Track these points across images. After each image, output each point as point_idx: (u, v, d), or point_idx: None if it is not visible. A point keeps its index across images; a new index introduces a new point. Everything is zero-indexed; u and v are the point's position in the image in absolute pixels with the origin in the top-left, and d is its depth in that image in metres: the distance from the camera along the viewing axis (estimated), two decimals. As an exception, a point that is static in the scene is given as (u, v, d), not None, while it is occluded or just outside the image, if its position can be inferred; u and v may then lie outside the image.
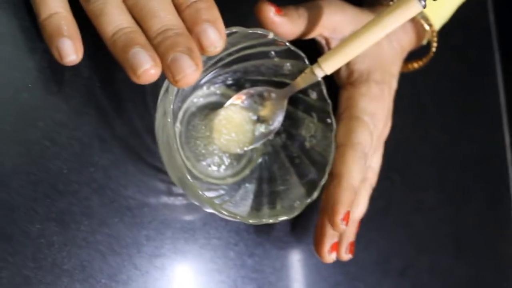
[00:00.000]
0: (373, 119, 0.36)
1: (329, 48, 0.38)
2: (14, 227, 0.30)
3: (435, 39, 0.39)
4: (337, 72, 0.39)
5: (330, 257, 0.36)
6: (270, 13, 0.34)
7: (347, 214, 0.33)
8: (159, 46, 0.28)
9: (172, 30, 0.28)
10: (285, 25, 0.34)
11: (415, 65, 0.41)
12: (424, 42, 0.42)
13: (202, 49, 0.28)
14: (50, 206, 0.31)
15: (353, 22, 0.37)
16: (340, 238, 0.38)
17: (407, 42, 0.40)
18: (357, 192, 0.38)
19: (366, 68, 0.38)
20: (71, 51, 0.29)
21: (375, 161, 0.39)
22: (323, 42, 0.38)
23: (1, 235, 0.30)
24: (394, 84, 0.40)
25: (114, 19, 0.28)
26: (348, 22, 0.37)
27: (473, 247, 0.48)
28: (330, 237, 0.36)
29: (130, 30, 0.28)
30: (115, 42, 0.28)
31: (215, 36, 0.28)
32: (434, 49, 0.40)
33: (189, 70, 0.27)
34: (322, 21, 0.36)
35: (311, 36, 0.37)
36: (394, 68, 0.40)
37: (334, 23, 0.37)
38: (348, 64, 0.38)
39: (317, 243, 0.37)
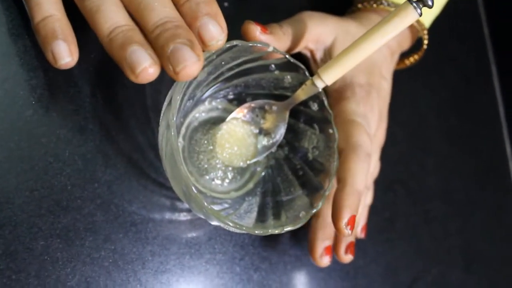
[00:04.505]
0: (365, 120, 0.36)
1: (314, 59, 0.39)
2: (17, 244, 0.30)
3: (426, 36, 0.40)
4: None
5: (322, 260, 0.37)
6: (257, 32, 0.34)
7: (352, 219, 0.32)
8: (158, 39, 0.26)
9: (172, 23, 0.27)
10: (272, 43, 0.34)
11: (411, 59, 0.42)
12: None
13: (203, 43, 0.27)
14: (54, 222, 0.31)
15: (334, 31, 0.38)
16: (339, 239, 0.37)
17: (395, 44, 0.41)
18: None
19: (348, 73, 0.38)
20: (65, 53, 0.28)
21: (372, 166, 0.39)
22: (308, 54, 0.39)
23: (4, 252, 0.29)
24: (385, 85, 0.40)
25: (111, 17, 0.27)
26: (330, 32, 0.38)
27: (482, 258, 0.47)
28: (322, 241, 0.37)
29: (128, 28, 0.27)
30: (111, 41, 0.27)
31: (217, 29, 0.27)
32: (425, 46, 0.41)
33: (190, 61, 0.26)
34: (305, 35, 0.37)
35: (297, 50, 0.37)
36: (384, 70, 0.40)
37: (316, 35, 0.38)
38: None
39: (311, 247, 0.37)
